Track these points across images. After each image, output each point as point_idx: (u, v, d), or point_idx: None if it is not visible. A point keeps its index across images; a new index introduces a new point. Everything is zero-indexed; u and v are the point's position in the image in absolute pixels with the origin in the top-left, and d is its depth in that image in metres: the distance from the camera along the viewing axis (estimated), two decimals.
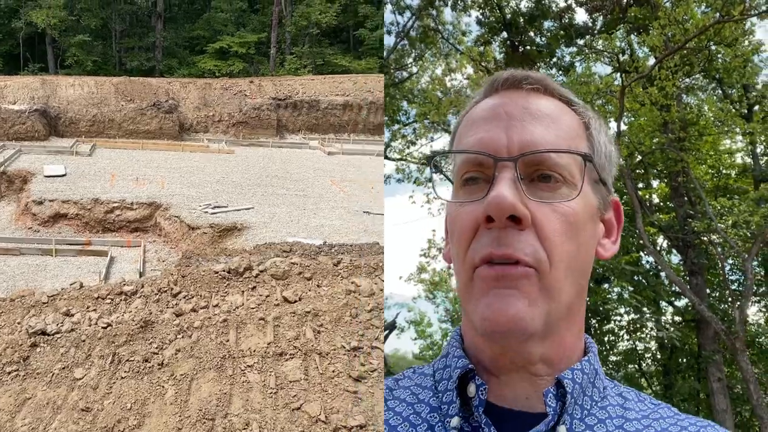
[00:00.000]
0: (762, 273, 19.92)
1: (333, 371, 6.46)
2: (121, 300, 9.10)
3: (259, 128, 30.65)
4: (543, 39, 22.03)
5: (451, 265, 1.37)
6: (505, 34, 22.07)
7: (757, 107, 19.45)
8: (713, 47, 17.16)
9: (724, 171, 21.33)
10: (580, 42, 21.07)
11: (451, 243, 1.34)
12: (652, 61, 17.22)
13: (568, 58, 21.76)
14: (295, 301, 8.04)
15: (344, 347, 6.80)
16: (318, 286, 8.36)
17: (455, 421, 1.28)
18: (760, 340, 19.83)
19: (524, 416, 1.28)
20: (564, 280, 1.26)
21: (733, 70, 18.09)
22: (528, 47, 22.05)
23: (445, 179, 1.43)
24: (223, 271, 9.32)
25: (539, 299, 1.23)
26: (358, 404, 5.97)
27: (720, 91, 20.45)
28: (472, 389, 1.28)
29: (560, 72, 21.11)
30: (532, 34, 22.05)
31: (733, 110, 19.23)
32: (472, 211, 1.27)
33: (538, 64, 21.16)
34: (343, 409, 5.93)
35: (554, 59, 21.79)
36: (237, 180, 22.45)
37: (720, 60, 18.12)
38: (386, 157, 22.98)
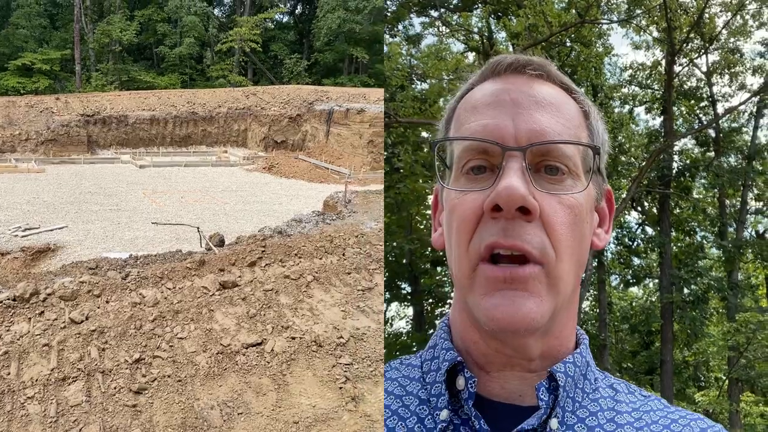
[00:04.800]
0: (594, 263, 19.52)
1: (114, 388, 5.91)
2: None
3: (69, 145, 28.16)
4: (389, 4, 19.75)
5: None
6: None
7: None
8: (569, 44, 16.80)
9: None
10: (434, 14, 18.75)
11: (449, 230, 1.20)
12: (509, 47, 16.03)
13: (418, 29, 19.25)
14: (82, 321, 7.28)
15: (127, 361, 6.26)
16: (107, 302, 7.64)
17: (444, 414, 1.17)
18: (585, 326, 20.57)
19: (514, 409, 1.18)
20: (568, 273, 1.16)
21: (589, 70, 17.83)
22: None
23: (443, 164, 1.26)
24: (7, 299, 8.22)
25: (547, 295, 1.13)
26: (137, 417, 5.52)
27: None
28: (461, 382, 1.18)
29: (406, 42, 18.88)
30: None
31: None
32: (476, 200, 1.15)
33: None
34: (122, 425, 5.44)
35: (400, 27, 19.17)
36: (48, 199, 20.28)
37: (574, 56, 17.64)
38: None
